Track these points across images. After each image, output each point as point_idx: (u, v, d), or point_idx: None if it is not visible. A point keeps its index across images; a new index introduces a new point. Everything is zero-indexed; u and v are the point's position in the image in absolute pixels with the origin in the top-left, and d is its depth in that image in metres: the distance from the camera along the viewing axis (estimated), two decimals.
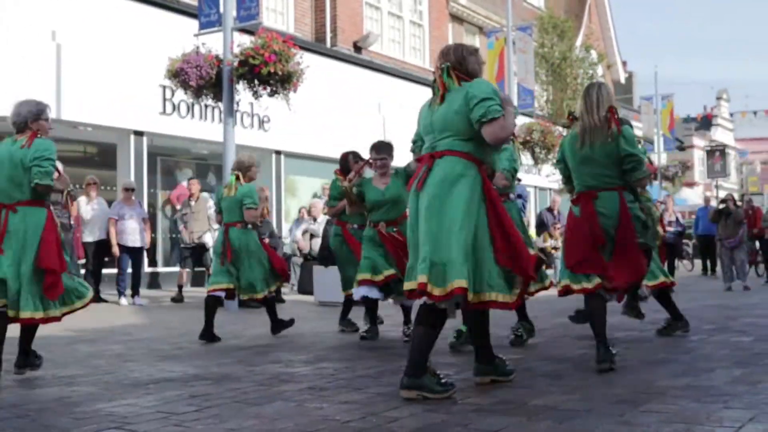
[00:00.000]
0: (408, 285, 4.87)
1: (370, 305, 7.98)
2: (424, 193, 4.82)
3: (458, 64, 4.95)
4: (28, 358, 6.13)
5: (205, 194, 14.96)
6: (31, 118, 6.14)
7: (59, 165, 6.30)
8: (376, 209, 7.65)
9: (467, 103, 4.77)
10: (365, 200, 7.71)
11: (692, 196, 42.59)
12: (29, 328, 6.09)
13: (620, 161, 5.72)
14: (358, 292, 7.69)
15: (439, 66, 4.98)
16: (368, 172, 8.02)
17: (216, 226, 14.14)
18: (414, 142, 5.36)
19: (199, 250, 14.03)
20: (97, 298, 13.32)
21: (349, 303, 8.72)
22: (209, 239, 14.03)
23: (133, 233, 13.22)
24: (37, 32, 14.15)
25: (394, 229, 7.55)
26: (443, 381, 4.82)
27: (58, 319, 6.03)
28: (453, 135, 4.84)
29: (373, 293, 7.60)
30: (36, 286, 5.81)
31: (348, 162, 8.77)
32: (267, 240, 13.79)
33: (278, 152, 18.65)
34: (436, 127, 4.91)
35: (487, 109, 4.70)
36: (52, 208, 6.13)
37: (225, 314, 11.63)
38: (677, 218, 16.69)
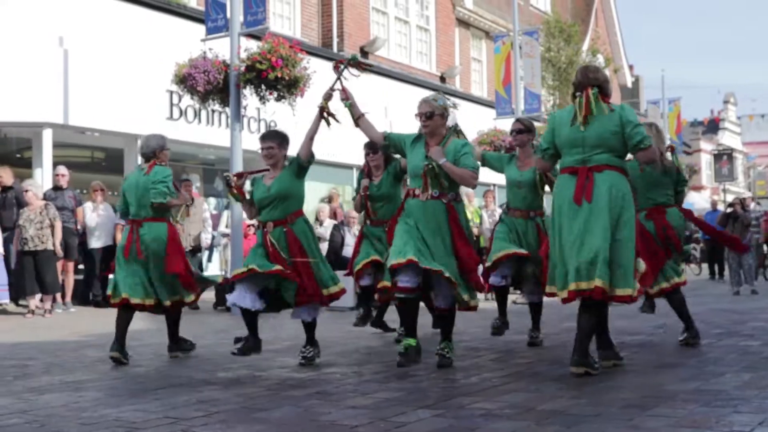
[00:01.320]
0: (582, 285, 5.44)
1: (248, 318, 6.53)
2: (595, 204, 5.48)
3: (605, 83, 5.73)
4: (177, 344, 7.46)
5: (211, 199, 14.99)
6: (158, 149, 7.44)
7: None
8: (263, 208, 6.61)
9: (623, 127, 5.54)
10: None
11: (699, 200, 42.49)
12: (174, 319, 7.46)
13: (677, 183, 7.22)
14: (230, 298, 6.46)
15: (582, 83, 5.69)
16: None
17: (210, 227, 14.20)
18: (545, 149, 5.95)
19: (194, 252, 13.97)
20: (105, 304, 13.35)
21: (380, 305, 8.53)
22: (204, 240, 14.06)
23: None
24: (44, 38, 14.18)
25: (284, 230, 6.46)
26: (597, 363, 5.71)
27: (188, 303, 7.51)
28: (607, 151, 5.56)
29: (247, 301, 6.34)
30: (165, 281, 7.16)
31: None
32: None
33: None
34: (589, 142, 5.58)
35: (643, 137, 5.56)
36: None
37: (231, 319, 11.64)
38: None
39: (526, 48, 21.36)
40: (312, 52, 15.21)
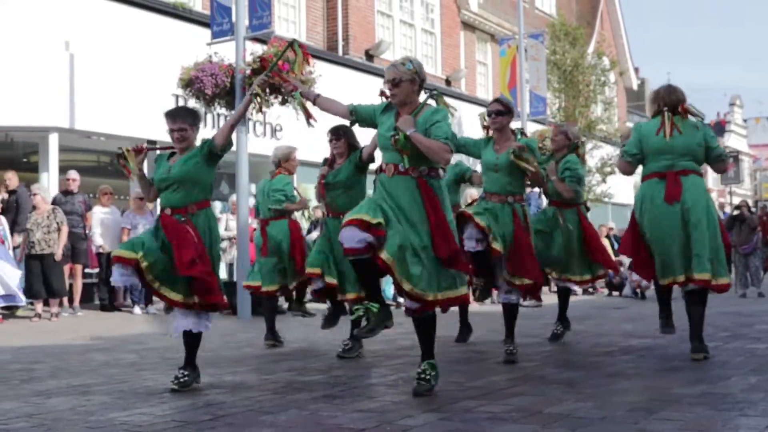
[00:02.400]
0: (676, 279, 6.45)
1: None
2: (685, 203, 6.36)
3: (686, 99, 6.56)
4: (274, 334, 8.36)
5: (217, 202, 15.00)
6: (282, 159, 8.52)
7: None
8: (162, 191, 5.81)
9: (707, 141, 6.51)
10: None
11: None
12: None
13: None
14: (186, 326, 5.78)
15: (672, 101, 6.50)
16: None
17: (225, 232, 14.17)
18: (634, 155, 6.62)
19: None
20: (111, 307, 13.38)
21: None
22: None
23: None
24: (50, 42, 14.24)
25: (182, 219, 5.65)
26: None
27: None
28: (691, 159, 6.46)
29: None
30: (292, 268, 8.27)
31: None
32: None
33: None
34: (677, 150, 6.43)
35: (723, 152, 6.70)
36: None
37: (237, 322, 11.65)
38: None
39: (531, 51, 21.40)
40: (317, 56, 15.22)
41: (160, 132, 17.02)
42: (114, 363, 7.20)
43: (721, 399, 4.76)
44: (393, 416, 4.54)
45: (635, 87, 38.15)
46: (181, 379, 5.63)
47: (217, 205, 17.54)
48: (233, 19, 12.72)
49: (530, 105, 20.81)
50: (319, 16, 20.44)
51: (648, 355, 6.90)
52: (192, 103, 13.88)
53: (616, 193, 26.16)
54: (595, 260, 7.79)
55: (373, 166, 6.46)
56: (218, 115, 15.51)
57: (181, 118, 5.82)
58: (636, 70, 38.27)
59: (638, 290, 16.16)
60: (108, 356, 7.73)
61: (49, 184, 14.06)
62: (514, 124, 7.16)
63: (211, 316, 5.83)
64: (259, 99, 6.24)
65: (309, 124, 6.12)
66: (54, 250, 12.06)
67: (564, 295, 8.14)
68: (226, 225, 14.04)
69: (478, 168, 7.61)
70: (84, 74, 14.46)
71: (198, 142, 5.90)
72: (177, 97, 15.38)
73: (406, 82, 5.26)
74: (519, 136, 6.86)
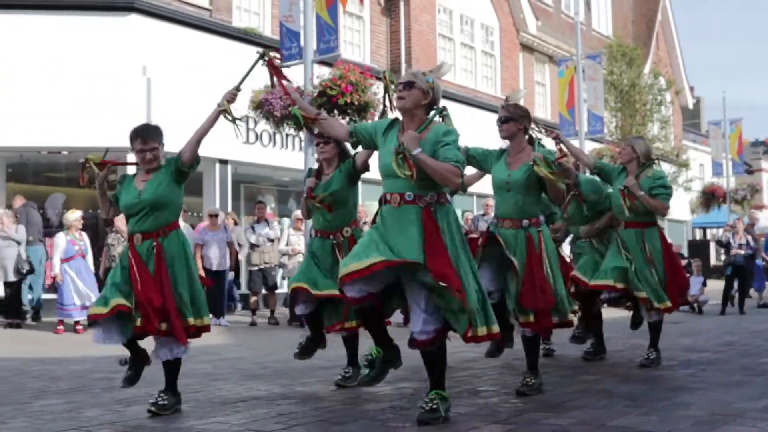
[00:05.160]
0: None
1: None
2: None
3: None
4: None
5: (285, 219, 15.40)
6: None
7: None
8: (131, 216, 5.43)
9: None
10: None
11: (762, 220, 41.59)
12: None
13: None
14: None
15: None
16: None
17: (285, 247, 14.45)
18: None
19: (269, 271, 14.39)
20: None
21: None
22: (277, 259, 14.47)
23: (216, 257, 13.62)
24: (128, 67, 14.83)
25: (153, 244, 5.32)
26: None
27: None
28: None
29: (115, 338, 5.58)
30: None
31: None
32: None
33: None
34: None
35: None
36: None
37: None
38: (747, 241, 16.50)
39: (589, 72, 21.39)
40: (381, 78, 15.48)
41: (232, 152, 17.25)
42: (189, 373, 7.34)
43: None
44: (459, 427, 4.60)
45: (690, 106, 37.76)
46: (159, 402, 5.35)
47: (285, 222, 17.87)
48: (302, 43, 13.03)
49: (588, 124, 20.81)
50: (383, 40, 20.77)
51: (708, 369, 6.85)
52: (262, 124, 14.34)
53: (671, 209, 25.93)
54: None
55: (369, 175, 6.11)
56: (287, 135, 15.87)
57: (152, 138, 5.50)
58: (691, 88, 37.81)
59: (695, 305, 16.16)
60: (183, 366, 7.75)
61: None
62: (575, 143, 7.06)
63: (183, 345, 5.50)
64: (227, 114, 5.74)
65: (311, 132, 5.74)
66: None
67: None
68: (288, 240, 14.44)
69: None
70: (160, 97, 14.95)
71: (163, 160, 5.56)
72: (247, 118, 15.76)
73: (419, 91, 4.81)
74: (537, 147, 5.83)
